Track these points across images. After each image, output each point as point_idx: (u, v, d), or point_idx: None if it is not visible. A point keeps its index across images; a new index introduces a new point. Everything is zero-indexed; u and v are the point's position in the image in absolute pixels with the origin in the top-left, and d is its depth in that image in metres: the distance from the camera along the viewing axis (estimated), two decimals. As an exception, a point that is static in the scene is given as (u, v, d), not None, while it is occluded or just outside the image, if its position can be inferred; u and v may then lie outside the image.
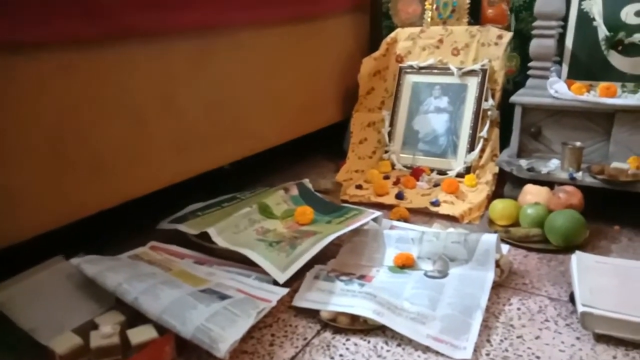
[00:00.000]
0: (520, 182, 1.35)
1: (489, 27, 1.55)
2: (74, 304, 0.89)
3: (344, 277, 1.00)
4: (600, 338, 0.85)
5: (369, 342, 0.86)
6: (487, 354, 0.82)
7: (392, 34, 1.70)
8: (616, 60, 1.38)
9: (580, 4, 1.41)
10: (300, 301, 0.94)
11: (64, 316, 0.86)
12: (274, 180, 1.59)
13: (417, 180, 1.53)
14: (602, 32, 1.38)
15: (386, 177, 1.57)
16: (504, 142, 1.50)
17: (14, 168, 0.90)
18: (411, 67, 1.66)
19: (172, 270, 0.99)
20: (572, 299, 0.95)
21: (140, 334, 0.81)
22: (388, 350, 0.84)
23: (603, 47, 1.39)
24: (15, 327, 0.82)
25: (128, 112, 1.07)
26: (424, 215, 1.37)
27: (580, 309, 0.86)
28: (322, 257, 1.06)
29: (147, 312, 0.82)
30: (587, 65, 1.42)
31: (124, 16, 1.00)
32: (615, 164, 1.28)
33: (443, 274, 1.02)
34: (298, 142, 1.64)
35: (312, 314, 0.92)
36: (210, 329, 0.79)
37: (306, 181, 1.39)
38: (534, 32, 1.37)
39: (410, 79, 1.66)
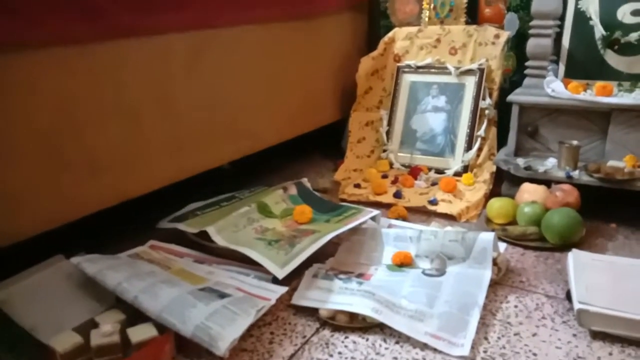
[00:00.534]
0: (517, 181, 1.36)
1: (486, 27, 1.56)
2: (74, 303, 0.89)
3: (342, 276, 1.01)
4: (597, 335, 0.86)
5: (367, 339, 0.87)
6: (485, 351, 0.83)
7: (390, 34, 1.70)
8: (613, 59, 1.39)
9: (577, 3, 1.42)
10: (299, 299, 0.95)
11: (64, 315, 0.86)
12: (273, 179, 1.60)
13: (415, 179, 1.54)
14: (599, 31, 1.38)
15: (384, 176, 1.58)
16: (502, 141, 1.51)
17: (11, 167, 0.90)
18: (409, 66, 1.66)
19: (171, 269, 0.99)
20: (568, 296, 0.96)
21: (140, 333, 0.81)
22: (386, 348, 0.84)
23: (599, 47, 1.40)
24: (16, 326, 0.83)
25: (125, 112, 1.07)
26: (422, 213, 1.38)
27: (577, 306, 0.87)
28: (320, 256, 1.07)
29: (147, 310, 0.83)
30: (584, 64, 1.43)
31: (120, 16, 1.00)
32: (611, 163, 1.28)
33: (441, 272, 1.03)
34: (296, 141, 1.65)
35: (311, 312, 0.93)
36: (210, 328, 0.79)
37: (305, 180, 1.40)
38: (531, 31, 1.38)
39: (408, 78, 1.67)
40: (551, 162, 1.36)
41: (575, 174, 1.29)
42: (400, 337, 0.86)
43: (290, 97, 1.56)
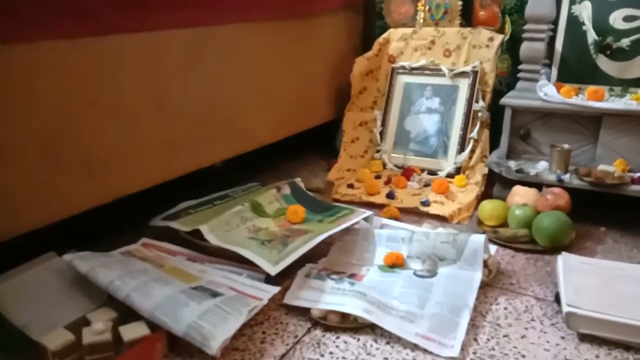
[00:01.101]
0: (509, 183, 1.37)
1: (481, 30, 1.57)
2: (66, 300, 0.89)
3: (334, 276, 1.01)
4: (584, 337, 0.87)
5: (358, 340, 0.87)
6: (474, 352, 0.84)
7: (385, 34, 1.71)
8: (604, 64, 1.41)
9: (570, 8, 1.43)
10: (291, 299, 0.96)
11: (56, 312, 0.86)
12: (266, 177, 1.60)
13: (408, 180, 1.54)
14: (591, 36, 1.40)
15: (377, 177, 1.59)
16: (494, 143, 1.52)
17: (6, 165, 0.90)
18: (403, 67, 1.67)
19: (164, 267, 0.99)
20: (557, 299, 0.97)
21: (132, 331, 0.81)
22: (377, 348, 0.85)
23: (592, 51, 1.41)
24: (7, 323, 0.82)
25: (119, 111, 1.07)
26: (415, 214, 1.39)
27: (565, 309, 0.88)
28: (313, 256, 1.07)
29: (139, 309, 0.83)
30: (576, 68, 1.44)
31: (115, 14, 1.00)
32: (602, 167, 1.30)
33: (432, 273, 1.04)
34: (290, 140, 1.65)
35: (302, 312, 0.94)
36: (202, 327, 0.80)
37: (298, 180, 1.40)
38: (525, 35, 1.39)
39: (402, 79, 1.67)
40: (542, 165, 1.37)
41: (566, 177, 1.30)
42: (391, 338, 0.87)
43: (284, 97, 1.56)
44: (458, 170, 1.55)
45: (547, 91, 1.36)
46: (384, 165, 1.66)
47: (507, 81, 1.65)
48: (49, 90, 0.94)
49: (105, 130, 1.05)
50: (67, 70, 0.96)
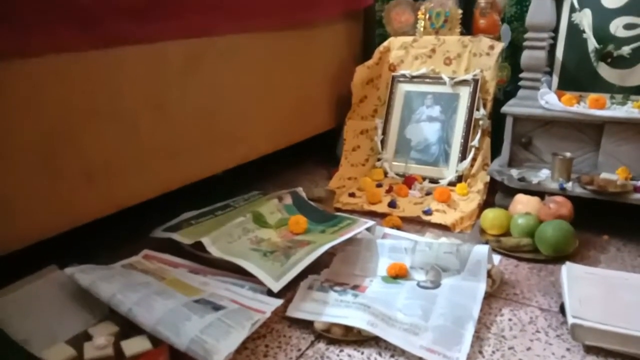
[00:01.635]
0: (511, 192, 1.37)
1: (481, 38, 1.57)
2: (67, 315, 0.88)
3: (337, 288, 1.01)
4: (590, 349, 0.86)
5: (362, 353, 0.86)
6: (479, 365, 0.83)
7: (385, 43, 1.71)
8: (605, 72, 1.40)
9: (570, 16, 1.43)
10: (294, 312, 0.95)
11: (57, 327, 0.85)
12: (267, 186, 1.60)
13: (410, 188, 1.54)
14: (592, 44, 1.40)
15: (379, 185, 1.59)
16: (495, 151, 1.52)
17: (7, 176, 0.90)
18: (404, 76, 1.67)
19: (165, 280, 0.99)
20: (562, 309, 0.96)
21: (134, 345, 0.81)
22: (381, 362, 0.84)
23: (592, 59, 1.41)
24: (8, 338, 0.81)
25: (121, 119, 1.07)
26: (417, 223, 1.38)
27: (571, 320, 0.87)
28: (315, 267, 1.07)
29: (142, 323, 0.82)
30: (577, 76, 1.44)
31: (116, 25, 1.00)
32: (604, 175, 1.29)
33: (435, 284, 1.03)
34: (290, 148, 1.65)
35: (306, 325, 0.93)
36: (205, 341, 0.79)
37: (300, 190, 1.40)
38: (526, 43, 1.39)
39: (403, 87, 1.67)
40: (545, 173, 1.37)
41: (569, 185, 1.30)
42: (396, 351, 0.86)
43: (286, 105, 1.56)
44: (460, 179, 1.54)
45: (549, 99, 1.36)
46: (385, 173, 1.65)
47: (506, 89, 1.65)
48: (50, 100, 0.94)
49: (107, 140, 1.04)
50: (69, 82, 0.96)
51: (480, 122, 1.55)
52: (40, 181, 0.95)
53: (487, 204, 1.45)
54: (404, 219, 1.38)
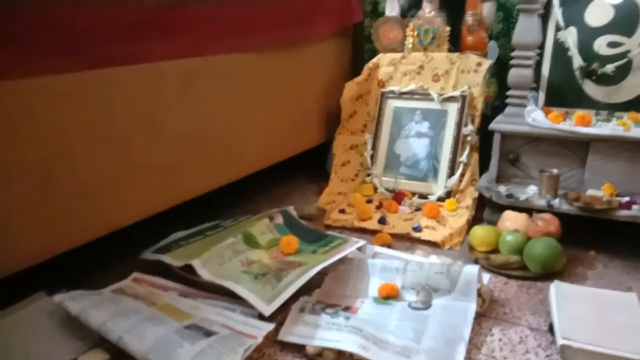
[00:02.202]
0: (499, 208, 1.38)
1: (469, 55, 1.59)
2: (57, 342, 0.88)
3: (329, 310, 1.01)
4: (579, 370, 0.87)
5: (354, 377, 0.87)
6: (471, 389, 0.84)
7: (375, 59, 1.72)
8: (590, 89, 1.43)
9: (556, 34, 1.45)
10: (286, 335, 0.95)
11: (46, 355, 0.85)
12: (257, 202, 1.59)
13: (399, 204, 1.55)
14: (577, 61, 1.42)
15: (369, 201, 1.59)
16: (483, 166, 1.53)
17: (1, 198, 0.89)
18: (393, 92, 1.68)
19: (156, 305, 0.98)
20: (551, 329, 0.97)
21: (125, 374, 0.80)
22: (374, 386, 0.84)
23: (578, 76, 1.43)
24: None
25: (115, 140, 1.06)
26: (407, 240, 1.39)
27: (560, 342, 0.88)
28: (307, 287, 1.06)
29: (132, 351, 0.82)
30: (563, 93, 1.46)
31: (109, 46, 1.00)
32: (590, 191, 1.31)
33: (426, 305, 1.04)
34: (280, 163, 1.65)
35: (297, 349, 0.93)
36: (197, 369, 0.78)
37: (291, 208, 1.40)
38: (512, 61, 1.41)
39: (392, 103, 1.69)
40: (532, 189, 1.39)
41: (556, 202, 1.32)
42: (388, 375, 0.86)
43: (278, 122, 1.56)
44: (448, 194, 1.56)
45: (535, 117, 1.38)
46: (375, 189, 1.66)
47: (494, 104, 1.67)
48: (44, 121, 0.93)
49: (102, 160, 1.04)
50: (62, 102, 0.96)
51: (469, 138, 1.56)
52: (36, 202, 0.94)
53: (475, 219, 1.47)
54: (394, 236, 1.39)
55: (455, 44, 1.64)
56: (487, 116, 1.58)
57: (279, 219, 1.32)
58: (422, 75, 1.65)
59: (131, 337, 0.83)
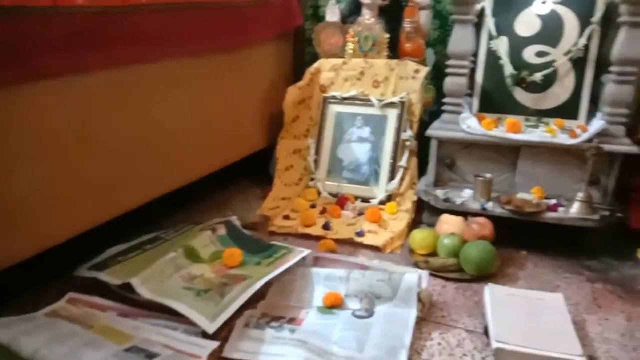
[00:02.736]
0: (437, 211, 1.44)
1: (407, 62, 1.63)
2: (-15, 375, 0.83)
3: (274, 324, 1.01)
4: (513, 372, 0.93)
5: (300, 391, 0.87)
6: (412, 396, 0.87)
7: (316, 65, 1.73)
8: (521, 96, 1.50)
9: (489, 43, 1.51)
10: (231, 352, 0.94)
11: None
12: (199, 208, 1.56)
13: (343, 209, 1.57)
14: (508, 70, 1.49)
15: (313, 206, 1.60)
16: (421, 170, 1.58)
17: None
18: (335, 97, 1.70)
19: (94, 327, 0.94)
20: (486, 332, 1.02)
21: (61, 406, 0.77)
22: (319, 400, 0.86)
23: (509, 84, 1.50)
24: None
25: (43, 157, 1.01)
26: (350, 245, 1.41)
27: (494, 345, 0.93)
28: (251, 299, 1.06)
29: (69, 380, 0.79)
30: (496, 99, 1.53)
31: (37, 60, 0.95)
32: (521, 195, 1.39)
33: (370, 312, 1.06)
34: (223, 168, 1.62)
35: (243, 365, 0.93)
36: (139, 396, 0.77)
37: (234, 219, 1.38)
38: (448, 70, 1.46)
39: (334, 109, 1.70)
40: (467, 193, 1.45)
41: (490, 206, 1.38)
42: (333, 387, 0.88)
43: (219, 128, 1.53)
44: (389, 198, 1.59)
45: (470, 124, 1.44)
46: (319, 193, 1.67)
47: (431, 110, 1.72)
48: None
49: (27, 178, 0.98)
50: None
51: (408, 143, 1.60)
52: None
53: (415, 221, 1.51)
54: (338, 241, 1.41)
55: (395, 51, 1.68)
56: (426, 122, 1.62)
57: (222, 231, 1.30)
58: (363, 81, 1.68)
59: (67, 365, 0.80)
